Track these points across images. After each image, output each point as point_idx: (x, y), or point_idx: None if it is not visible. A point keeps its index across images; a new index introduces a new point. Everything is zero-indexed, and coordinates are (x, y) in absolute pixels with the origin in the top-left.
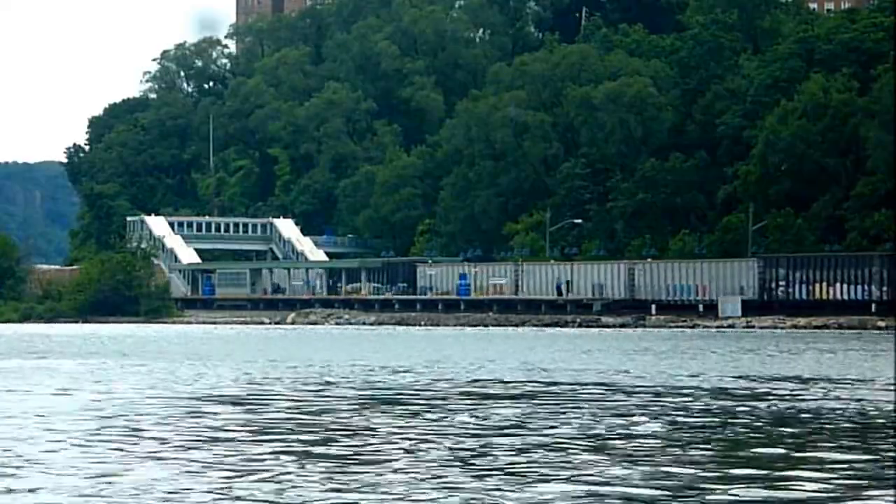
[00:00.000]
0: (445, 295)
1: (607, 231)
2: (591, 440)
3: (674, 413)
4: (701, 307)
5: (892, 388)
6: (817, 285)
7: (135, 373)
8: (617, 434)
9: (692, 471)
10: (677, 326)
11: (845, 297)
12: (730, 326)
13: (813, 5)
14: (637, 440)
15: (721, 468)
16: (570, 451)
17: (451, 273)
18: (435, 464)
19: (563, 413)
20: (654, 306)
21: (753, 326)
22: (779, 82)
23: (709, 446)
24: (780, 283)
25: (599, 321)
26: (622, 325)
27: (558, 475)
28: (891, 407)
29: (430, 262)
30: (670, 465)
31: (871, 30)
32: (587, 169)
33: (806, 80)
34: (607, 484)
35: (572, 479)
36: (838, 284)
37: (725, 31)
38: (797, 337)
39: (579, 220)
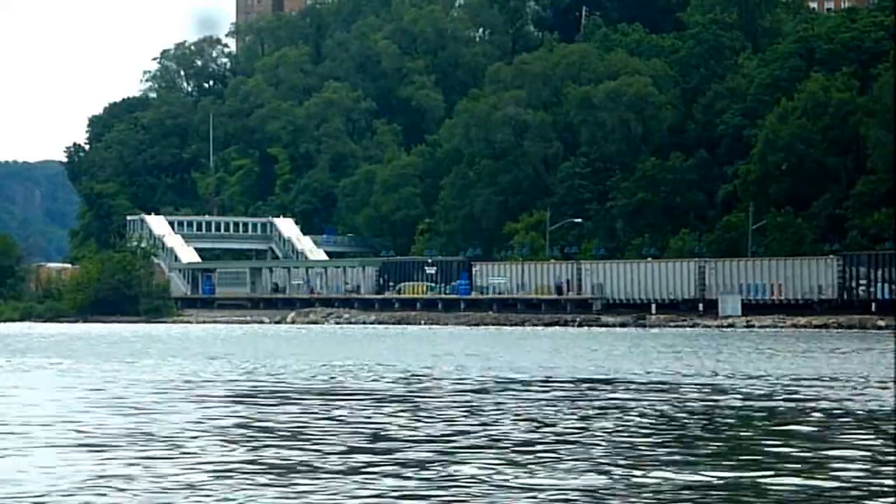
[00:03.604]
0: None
1: (607, 230)
2: None
3: None
4: (701, 306)
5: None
6: None
7: None
8: None
9: None
10: (678, 326)
11: None
12: (730, 326)
13: (813, 4)
14: None
15: None
16: None
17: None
18: None
19: None
20: (654, 305)
21: (753, 325)
22: (779, 81)
23: None
24: (861, 281)
25: (599, 320)
26: (622, 325)
27: None
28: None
29: (430, 260)
30: None
31: (871, 29)
32: (587, 168)
33: (806, 79)
34: None
35: None
36: None
37: (725, 31)
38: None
39: (579, 220)
